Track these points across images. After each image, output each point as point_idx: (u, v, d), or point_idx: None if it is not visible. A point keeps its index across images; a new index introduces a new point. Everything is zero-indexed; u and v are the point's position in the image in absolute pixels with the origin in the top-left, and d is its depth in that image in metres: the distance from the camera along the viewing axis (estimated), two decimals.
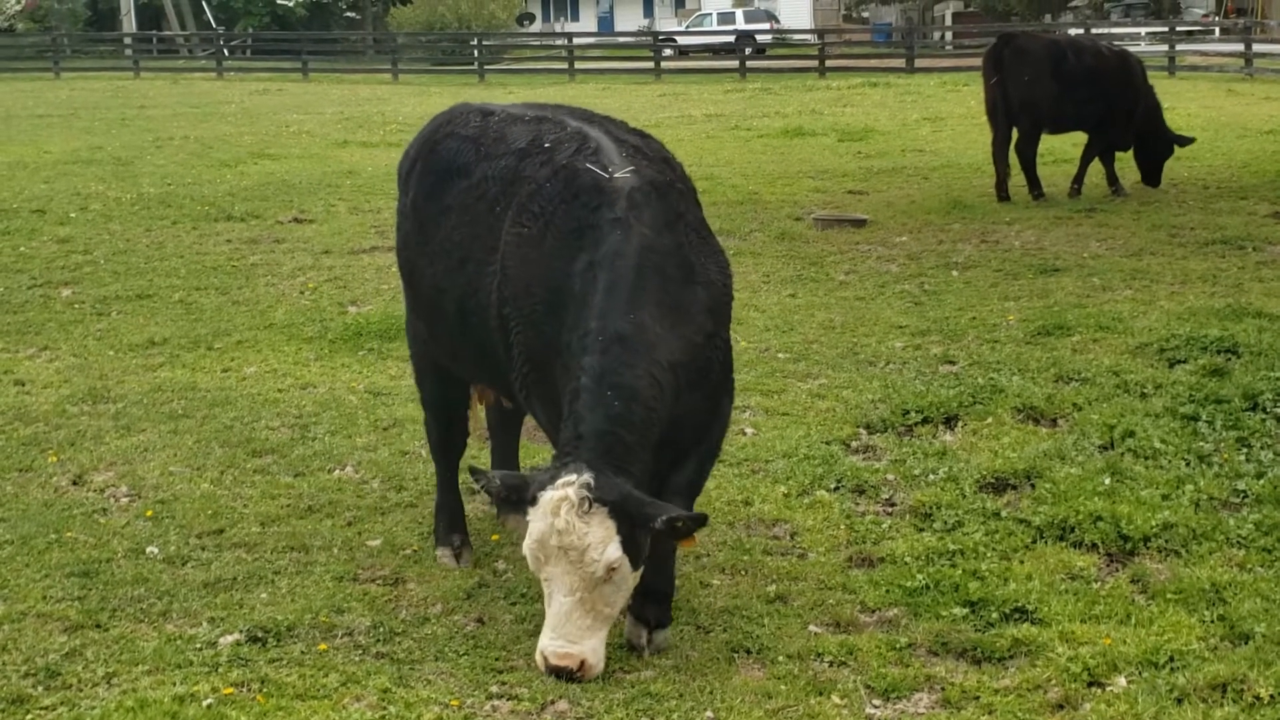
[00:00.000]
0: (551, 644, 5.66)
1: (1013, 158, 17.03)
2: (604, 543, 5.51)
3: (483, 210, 6.49)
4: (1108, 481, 7.47)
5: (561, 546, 5.54)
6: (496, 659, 6.01)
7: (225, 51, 58.46)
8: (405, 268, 7.18)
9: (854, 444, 8.53)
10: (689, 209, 6.35)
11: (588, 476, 5.54)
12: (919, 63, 44.88)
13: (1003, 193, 16.97)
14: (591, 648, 5.67)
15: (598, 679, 5.74)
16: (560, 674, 5.65)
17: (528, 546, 5.63)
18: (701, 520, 5.64)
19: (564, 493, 5.54)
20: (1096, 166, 17.64)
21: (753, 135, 24.24)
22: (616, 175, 6.19)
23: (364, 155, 22.10)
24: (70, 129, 27.38)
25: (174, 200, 18.08)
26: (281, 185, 19.36)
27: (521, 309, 6.15)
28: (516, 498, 5.70)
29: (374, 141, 25.33)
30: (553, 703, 5.61)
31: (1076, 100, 16.81)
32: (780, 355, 10.43)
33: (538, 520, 5.57)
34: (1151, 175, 17.39)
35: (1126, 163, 17.66)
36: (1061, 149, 19.48)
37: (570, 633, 5.64)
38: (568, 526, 5.51)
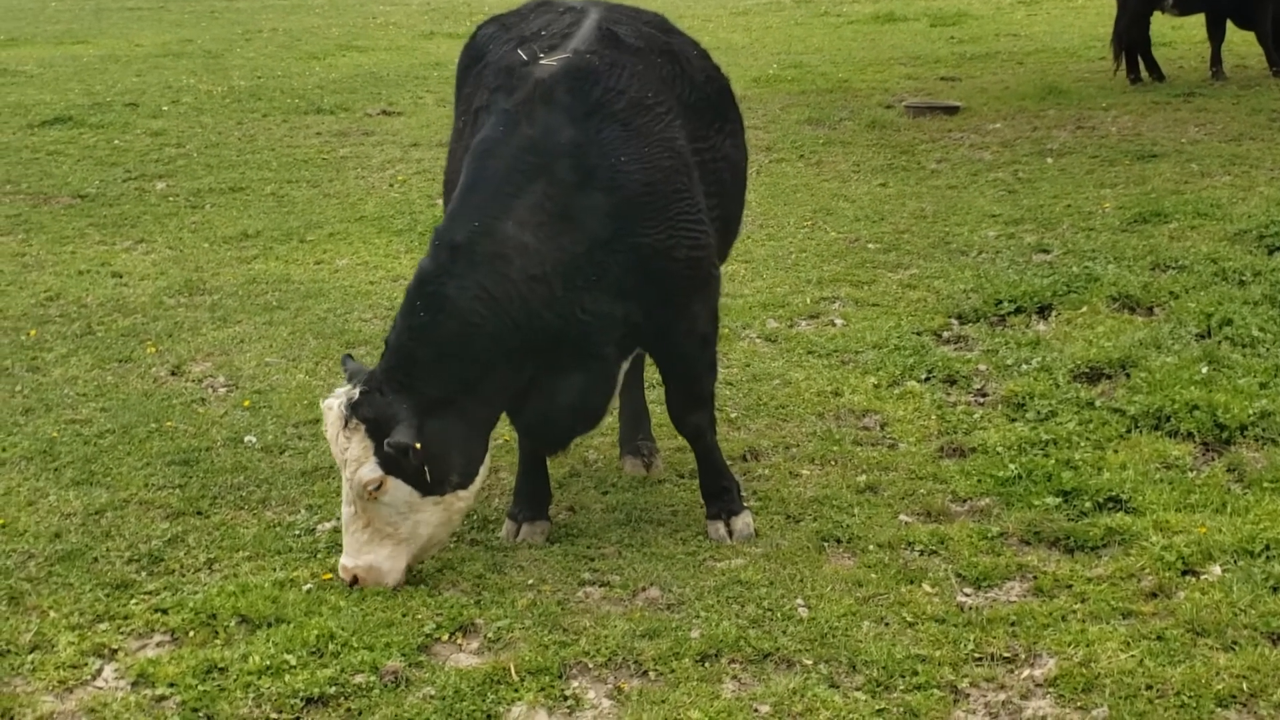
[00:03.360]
0: (342, 555, 5.68)
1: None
2: (359, 461, 5.45)
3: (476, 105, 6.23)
4: (1204, 370, 7.37)
5: (335, 456, 5.58)
6: (588, 546, 6.08)
7: None
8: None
9: (945, 334, 8.48)
10: (624, 95, 5.76)
11: (355, 391, 5.49)
12: None
13: (1155, 73, 16.40)
14: (368, 564, 5.58)
15: (686, 569, 5.81)
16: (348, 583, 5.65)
17: None
18: (407, 447, 5.34)
19: (331, 403, 5.56)
20: (1198, 50, 17.16)
21: (842, 21, 23.84)
22: (541, 62, 5.84)
23: (451, 46, 21.98)
24: (160, 22, 27.46)
25: (264, 93, 18.14)
26: (369, 77, 19.35)
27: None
28: None
29: (460, 32, 25.19)
30: (644, 589, 5.67)
31: None
32: (870, 245, 10.35)
33: None
34: None
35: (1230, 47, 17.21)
36: (1158, 32, 19.01)
37: (349, 545, 5.62)
38: (333, 438, 5.53)
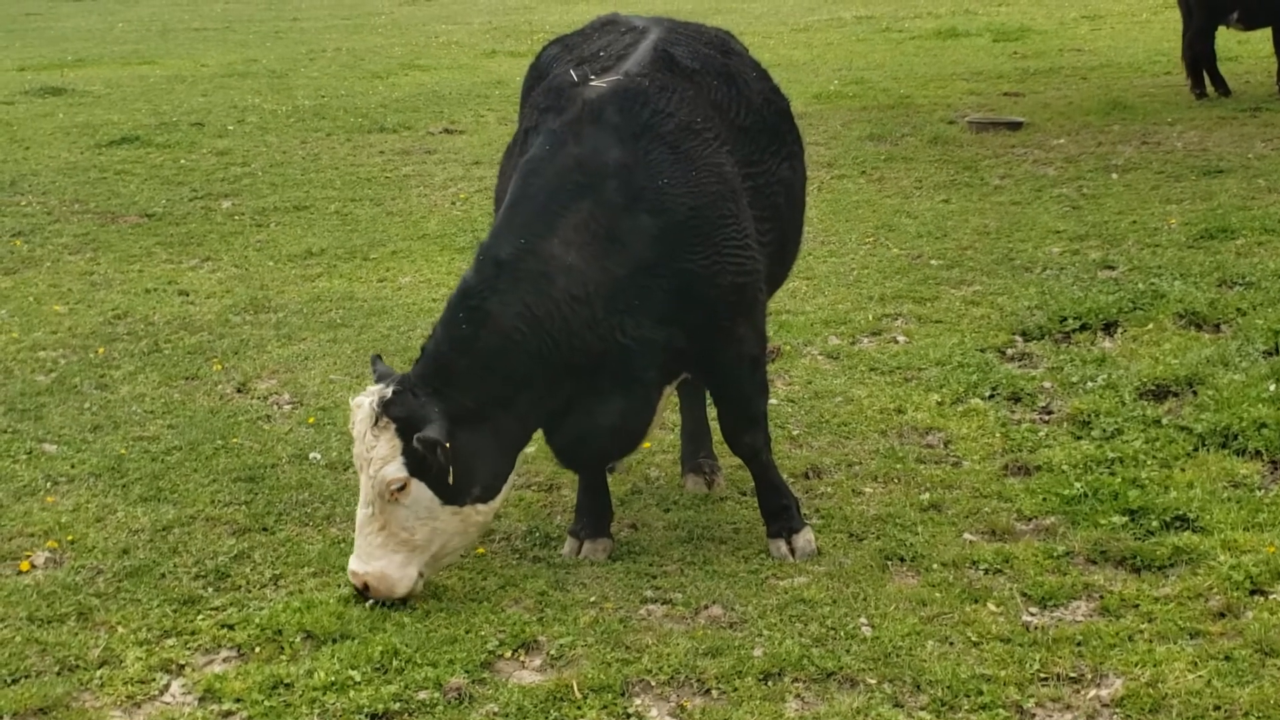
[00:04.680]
0: (351, 559, 5.65)
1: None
2: (384, 460, 5.45)
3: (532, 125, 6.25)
4: (1272, 388, 7.29)
5: (358, 455, 5.56)
6: (650, 564, 6.08)
7: None
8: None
9: (1009, 351, 8.43)
10: (672, 118, 5.77)
11: (388, 390, 5.49)
12: None
13: (1221, 87, 16.26)
14: (379, 570, 5.55)
15: (749, 587, 5.80)
16: (358, 591, 5.63)
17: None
18: (436, 443, 5.34)
19: (362, 401, 5.54)
20: (1264, 65, 17.00)
21: (904, 37, 23.77)
22: (591, 83, 5.86)
23: (512, 65, 22.11)
24: (225, 42, 27.73)
25: (328, 112, 18.28)
26: (432, 96, 19.46)
27: None
28: None
29: (522, 51, 25.32)
30: (706, 607, 5.67)
31: None
32: (933, 262, 10.31)
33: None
34: None
35: None
36: (1224, 47, 18.87)
37: (361, 548, 5.59)
38: (360, 435, 5.52)
